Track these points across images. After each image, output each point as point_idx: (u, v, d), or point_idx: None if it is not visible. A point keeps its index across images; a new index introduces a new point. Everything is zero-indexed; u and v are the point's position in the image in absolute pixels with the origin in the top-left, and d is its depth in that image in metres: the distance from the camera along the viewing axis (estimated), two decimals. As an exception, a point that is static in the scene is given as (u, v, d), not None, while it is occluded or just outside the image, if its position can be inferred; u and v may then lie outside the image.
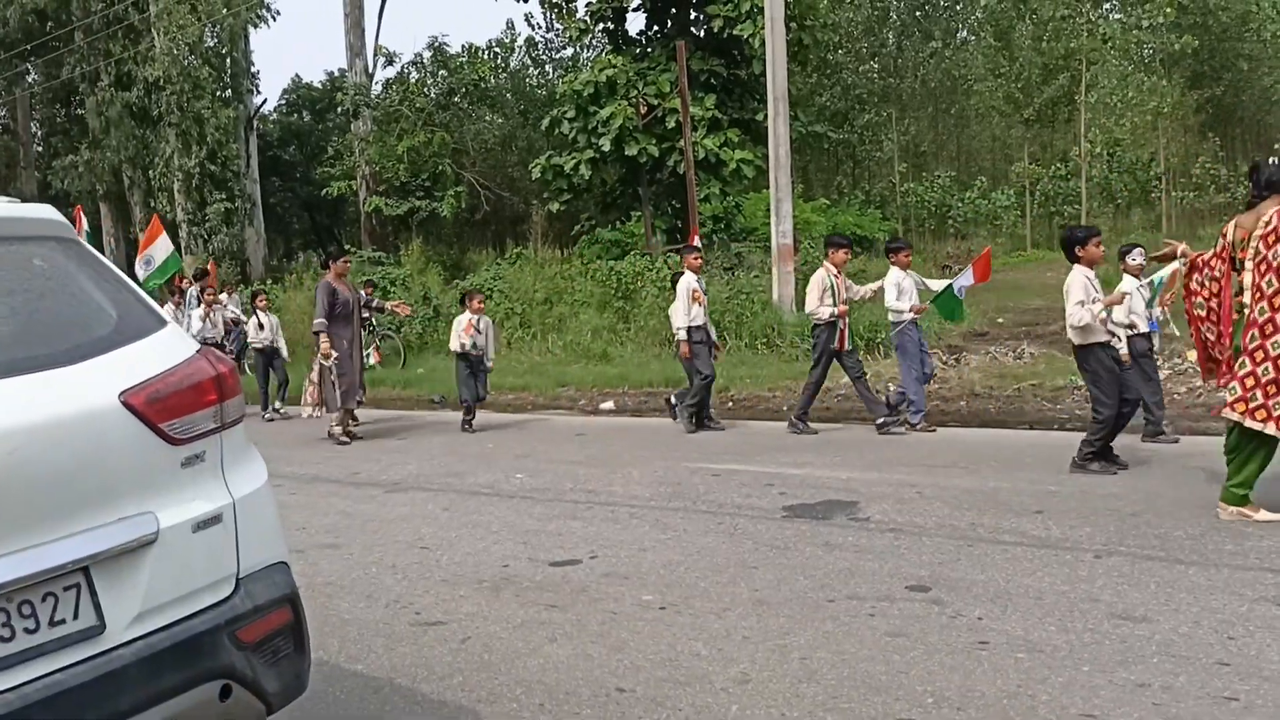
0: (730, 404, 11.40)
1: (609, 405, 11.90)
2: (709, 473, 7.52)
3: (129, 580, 2.77)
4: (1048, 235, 24.67)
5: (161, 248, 14.22)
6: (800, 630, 4.16)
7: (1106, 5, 25.99)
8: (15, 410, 2.58)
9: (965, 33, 32.80)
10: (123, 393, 2.81)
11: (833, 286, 9.06)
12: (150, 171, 24.63)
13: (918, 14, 31.46)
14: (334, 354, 9.95)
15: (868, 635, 4.06)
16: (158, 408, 2.88)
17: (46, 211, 3.08)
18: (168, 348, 3.06)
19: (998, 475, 6.97)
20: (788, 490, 6.77)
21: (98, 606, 2.69)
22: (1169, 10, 23.00)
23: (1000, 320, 14.49)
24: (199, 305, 13.50)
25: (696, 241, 14.05)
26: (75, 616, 2.63)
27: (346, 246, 26.69)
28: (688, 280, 9.80)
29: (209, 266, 16.06)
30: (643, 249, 20.05)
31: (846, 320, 9.12)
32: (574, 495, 7.04)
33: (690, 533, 5.85)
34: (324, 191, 28.49)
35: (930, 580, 4.74)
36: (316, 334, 10.15)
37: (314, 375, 10.28)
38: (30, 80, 31.10)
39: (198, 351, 3.15)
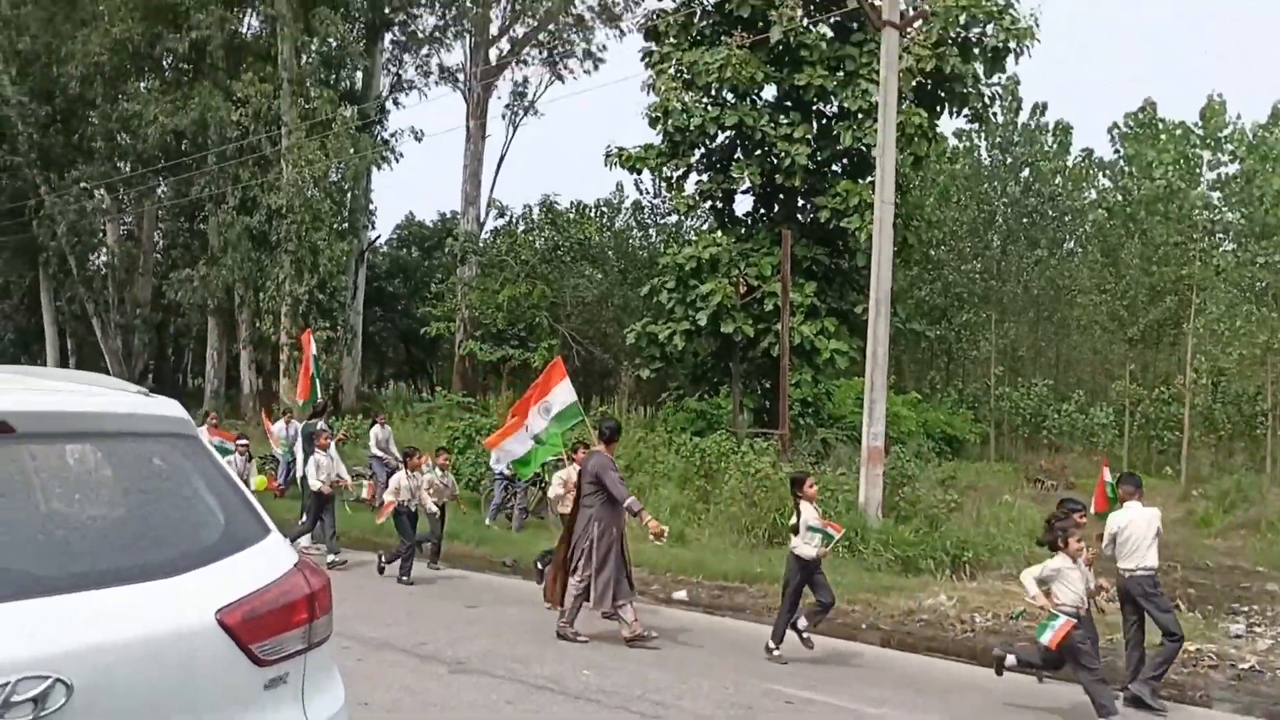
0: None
1: (682, 595, 11.50)
2: (783, 698, 7.14)
3: (196, 809, 2.65)
4: (1145, 459, 23.95)
5: (563, 394, 11.11)
6: None
7: (1220, 235, 25.88)
8: (116, 624, 2.53)
9: (1072, 243, 32.91)
10: (219, 610, 2.75)
11: None
12: (261, 293, 25.52)
13: (1024, 220, 31.70)
14: (664, 530, 8.87)
15: None
16: (250, 626, 2.82)
17: (172, 408, 3.09)
18: (268, 559, 3.01)
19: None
20: (867, 733, 6.38)
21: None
22: (1287, 249, 22.77)
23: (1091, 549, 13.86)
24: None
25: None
26: None
27: (436, 387, 27.22)
28: None
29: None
30: (729, 426, 19.93)
31: None
32: (640, 705, 6.73)
33: (762, 772, 5.50)
34: (423, 331, 29.20)
35: None
36: (634, 513, 8.69)
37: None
38: (159, 194, 32.90)
39: (295, 565, 3.09)
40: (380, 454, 16.41)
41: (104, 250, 32.78)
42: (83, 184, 29.47)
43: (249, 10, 28.59)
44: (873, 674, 8.20)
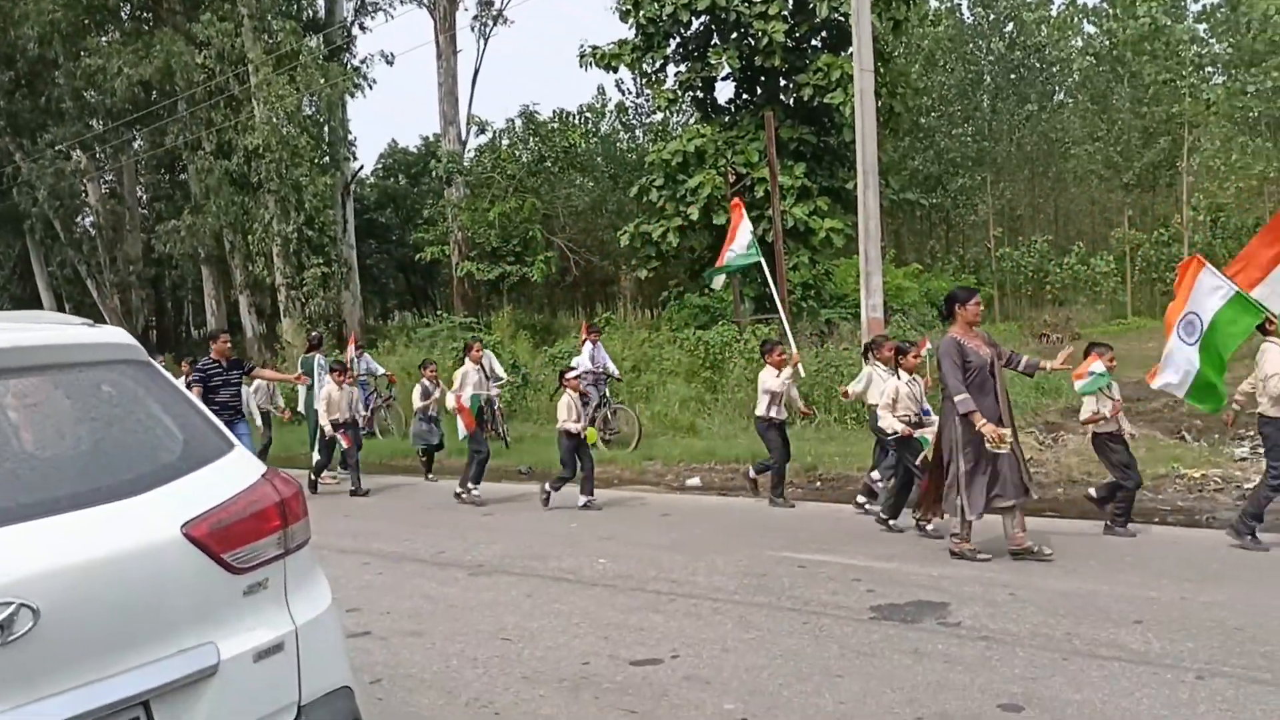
0: (818, 484, 11.12)
1: (695, 481, 11.72)
2: (795, 563, 7.30)
3: (189, 712, 2.73)
4: (1149, 303, 23.86)
5: (743, 237, 12.01)
6: (887, 758, 3.93)
7: (1209, 69, 25.30)
8: (77, 546, 2.57)
9: (1062, 95, 32.27)
10: (185, 524, 2.78)
11: None
12: (250, 236, 25.35)
13: (1012, 76, 31.07)
14: (1007, 437, 6.97)
15: (960, 768, 3.82)
16: (219, 537, 2.85)
17: (117, 335, 3.10)
18: (232, 473, 3.04)
19: (1096, 576, 6.61)
20: (876, 587, 6.52)
21: (157, 742, 2.64)
22: (1278, 74, 22.23)
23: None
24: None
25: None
26: (134, 753, 2.59)
27: (439, 313, 27.12)
28: None
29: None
30: (731, 317, 19.95)
31: None
32: (657, 585, 6.89)
33: (774, 633, 5.66)
34: (418, 258, 29.11)
35: (1023, 698, 4.49)
36: (965, 415, 7.02)
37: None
38: (136, 148, 32.51)
39: (263, 475, 3.12)
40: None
41: (88, 211, 32.52)
42: (57, 146, 29.12)
43: (200, -53, 27.84)
44: (883, 534, 8.33)
